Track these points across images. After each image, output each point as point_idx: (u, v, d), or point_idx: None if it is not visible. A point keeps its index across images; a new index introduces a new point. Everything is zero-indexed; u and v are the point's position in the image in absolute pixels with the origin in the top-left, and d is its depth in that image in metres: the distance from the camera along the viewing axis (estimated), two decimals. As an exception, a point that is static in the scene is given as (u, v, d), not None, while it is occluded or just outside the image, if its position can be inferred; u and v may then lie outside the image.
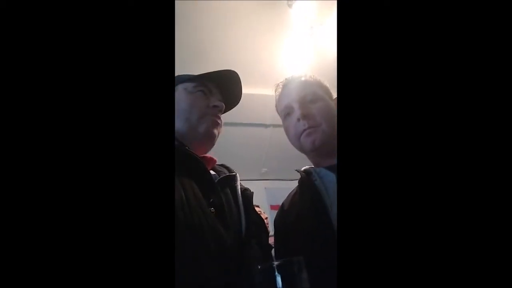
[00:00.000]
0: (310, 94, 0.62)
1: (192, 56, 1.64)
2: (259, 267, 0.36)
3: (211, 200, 0.47)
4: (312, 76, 0.67)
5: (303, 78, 0.66)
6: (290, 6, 1.52)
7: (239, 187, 0.56)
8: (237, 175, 0.58)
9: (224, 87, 0.62)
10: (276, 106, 0.69)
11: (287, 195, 0.66)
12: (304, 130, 0.59)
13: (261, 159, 2.85)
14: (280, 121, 0.70)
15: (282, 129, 0.70)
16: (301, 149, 0.64)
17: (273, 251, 0.58)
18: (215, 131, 0.57)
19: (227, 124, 0.64)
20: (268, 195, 2.79)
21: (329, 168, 0.57)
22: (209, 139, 0.57)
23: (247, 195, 0.56)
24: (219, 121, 0.59)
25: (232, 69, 0.61)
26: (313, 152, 0.61)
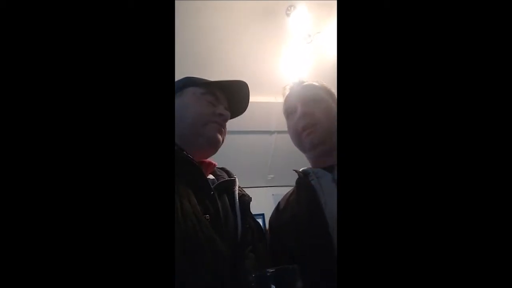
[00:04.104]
0: (313, 95, 0.65)
1: (192, 66, 1.67)
2: (253, 275, 0.35)
3: (207, 206, 0.46)
4: (319, 81, 0.70)
5: (308, 82, 0.69)
6: (288, 15, 1.56)
7: (236, 192, 0.54)
8: (236, 180, 0.57)
9: (232, 97, 0.62)
10: (283, 108, 0.71)
11: (294, 200, 0.67)
12: (304, 127, 0.61)
13: (267, 166, 2.85)
14: (284, 128, 0.72)
15: (286, 135, 0.72)
16: (301, 147, 0.65)
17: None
18: (219, 138, 0.57)
19: (231, 132, 0.65)
20: (276, 201, 2.77)
21: (327, 168, 0.58)
22: (212, 146, 0.57)
23: (245, 201, 0.55)
24: (223, 129, 0.59)
25: (233, 77, 0.62)
26: (312, 151, 0.62)
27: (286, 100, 0.69)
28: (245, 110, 0.67)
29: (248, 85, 0.63)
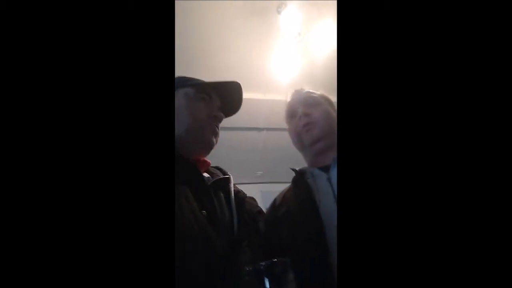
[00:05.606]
0: (313, 100, 0.70)
1: (183, 63, 1.66)
2: (247, 268, 0.37)
3: (203, 203, 0.48)
4: (318, 90, 0.75)
5: (309, 90, 0.74)
6: (279, 12, 1.56)
7: (232, 189, 0.56)
8: (231, 177, 0.59)
9: (225, 97, 0.63)
10: (285, 113, 0.75)
11: (282, 196, 0.69)
12: (304, 124, 0.64)
13: (256, 162, 2.86)
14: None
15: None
16: (301, 145, 0.68)
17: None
18: (214, 140, 0.59)
19: (220, 129, 0.66)
20: (264, 198, 2.79)
21: (322, 168, 0.60)
22: (207, 149, 0.58)
23: (240, 197, 0.57)
24: (217, 130, 0.60)
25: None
26: (311, 147, 0.65)
27: (288, 106, 0.74)
28: (237, 110, 0.68)
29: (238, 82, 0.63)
